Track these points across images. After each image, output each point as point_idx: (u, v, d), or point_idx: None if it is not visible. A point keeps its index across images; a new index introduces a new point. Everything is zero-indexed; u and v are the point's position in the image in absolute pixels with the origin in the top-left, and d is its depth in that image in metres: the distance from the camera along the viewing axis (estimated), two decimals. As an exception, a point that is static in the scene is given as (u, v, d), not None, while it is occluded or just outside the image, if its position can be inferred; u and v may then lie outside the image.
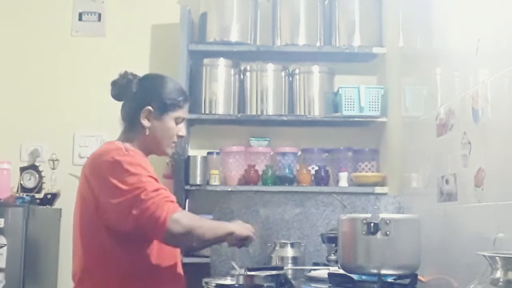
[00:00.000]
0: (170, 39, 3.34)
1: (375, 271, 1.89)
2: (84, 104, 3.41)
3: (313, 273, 2.27)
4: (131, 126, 1.98)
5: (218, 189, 3.10)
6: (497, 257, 1.22)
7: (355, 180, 3.13)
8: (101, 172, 1.83)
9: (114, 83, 2.00)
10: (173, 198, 1.82)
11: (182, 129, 2.02)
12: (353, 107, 3.09)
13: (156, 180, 1.84)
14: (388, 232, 1.89)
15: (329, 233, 2.52)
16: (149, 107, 1.95)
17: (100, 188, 1.82)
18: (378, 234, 1.89)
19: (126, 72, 2.01)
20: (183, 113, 2.00)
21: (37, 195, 3.16)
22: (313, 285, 2.07)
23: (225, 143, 3.25)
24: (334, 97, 3.20)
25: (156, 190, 1.77)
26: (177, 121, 2.00)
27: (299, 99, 3.23)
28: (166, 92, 1.99)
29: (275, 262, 2.59)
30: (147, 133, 1.95)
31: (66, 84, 3.45)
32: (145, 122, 1.95)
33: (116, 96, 2.01)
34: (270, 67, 3.23)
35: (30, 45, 3.50)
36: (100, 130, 3.33)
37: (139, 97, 1.97)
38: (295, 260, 2.59)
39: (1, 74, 3.48)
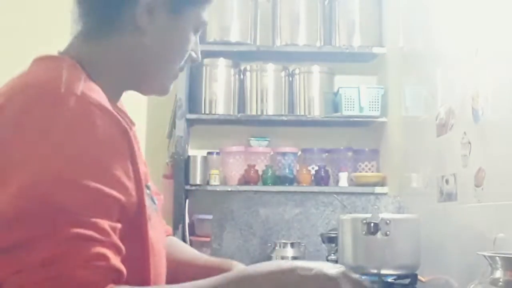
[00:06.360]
0: (170, 39, 3.33)
1: (375, 271, 1.90)
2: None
3: (313, 273, 2.27)
4: (105, 24, 1.04)
5: (218, 189, 3.09)
6: (497, 257, 1.22)
7: (355, 180, 3.13)
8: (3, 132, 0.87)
9: None
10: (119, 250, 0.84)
11: (197, 46, 1.11)
12: (353, 107, 3.09)
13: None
14: (388, 232, 1.89)
15: (329, 233, 2.52)
16: None
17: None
18: (378, 234, 1.89)
19: None
20: (206, 15, 1.08)
21: None
22: (313, 285, 2.06)
23: (225, 143, 3.25)
24: (334, 97, 3.20)
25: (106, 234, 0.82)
26: (199, 26, 1.07)
27: (299, 99, 3.23)
28: None
29: (275, 262, 2.59)
30: (144, 43, 1.00)
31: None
32: (144, 20, 0.99)
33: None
34: (270, 67, 3.22)
35: (30, 45, 3.49)
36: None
37: None
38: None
39: (0, 75, 3.48)
